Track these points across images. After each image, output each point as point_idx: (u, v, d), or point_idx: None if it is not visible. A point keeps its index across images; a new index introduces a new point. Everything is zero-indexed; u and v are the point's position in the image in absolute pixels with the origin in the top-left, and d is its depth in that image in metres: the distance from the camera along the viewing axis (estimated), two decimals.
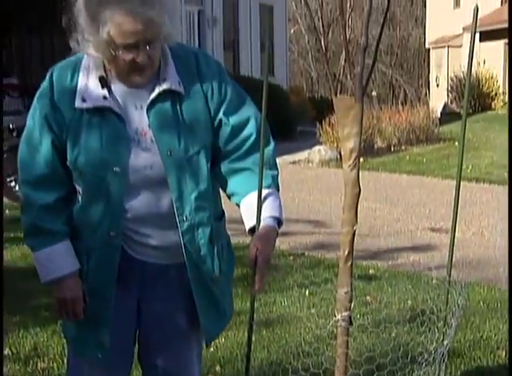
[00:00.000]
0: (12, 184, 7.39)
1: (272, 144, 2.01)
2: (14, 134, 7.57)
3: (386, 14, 2.12)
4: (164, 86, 1.90)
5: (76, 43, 1.87)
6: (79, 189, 1.97)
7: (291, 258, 5.56)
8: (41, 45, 12.97)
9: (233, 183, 2.00)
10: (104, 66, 1.91)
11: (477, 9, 1.95)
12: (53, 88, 1.93)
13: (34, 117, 1.96)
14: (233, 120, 1.97)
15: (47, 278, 1.99)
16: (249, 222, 1.97)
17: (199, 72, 1.96)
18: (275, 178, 2.01)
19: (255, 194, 1.94)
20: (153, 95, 1.90)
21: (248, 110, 2.00)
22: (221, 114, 1.96)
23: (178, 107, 1.92)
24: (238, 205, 2.01)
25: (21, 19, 13.07)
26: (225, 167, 2.00)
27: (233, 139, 1.97)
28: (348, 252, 1.87)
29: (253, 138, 1.98)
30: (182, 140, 1.91)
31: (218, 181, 2.03)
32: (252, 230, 1.96)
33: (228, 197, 2.04)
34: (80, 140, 1.90)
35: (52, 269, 1.97)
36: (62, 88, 1.92)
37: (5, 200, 7.54)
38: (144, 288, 2.03)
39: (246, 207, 1.97)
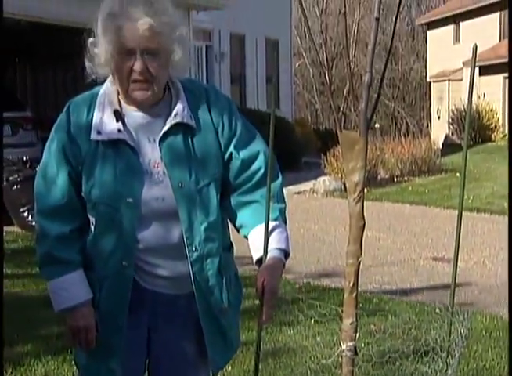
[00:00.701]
0: (25, 214, 7.50)
1: (280, 178, 2.06)
2: (28, 165, 7.73)
3: (389, 53, 2.20)
4: (177, 119, 1.94)
5: (92, 64, 1.94)
6: (92, 219, 2.00)
7: (297, 286, 5.57)
8: (54, 79, 13.17)
9: (242, 216, 2.03)
10: (119, 100, 1.97)
11: (476, 47, 1.99)
12: (70, 121, 1.97)
13: (51, 149, 2.00)
14: (243, 154, 2.01)
15: (61, 306, 2.02)
16: (256, 253, 1.99)
17: (209, 107, 2.01)
18: (282, 211, 2.05)
19: (263, 226, 1.97)
20: (166, 128, 1.94)
21: (257, 145, 2.05)
22: (231, 148, 2.01)
23: (189, 140, 1.96)
24: (246, 237, 2.04)
25: (35, 53, 13.29)
26: (234, 200, 2.04)
27: (243, 172, 2.02)
28: (353, 283, 1.88)
29: (261, 172, 2.02)
30: (192, 173, 1.95)
31: (227, 213, 2.06)
32: (259, 261, 1.98)
33: (237, 229, 2.07)
34: (95, 172, 1.95)
35: (66, 298, 2.00)
36: (78, 122, 1.96)
37: (19, 229, 7.66)
38: (154, 318, 2.05)
39: (254, 238, 2.00)
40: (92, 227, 2.01)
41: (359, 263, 1.89)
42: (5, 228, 7.69)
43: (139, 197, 1.94)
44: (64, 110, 2.01)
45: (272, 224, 1.99)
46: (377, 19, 1.73)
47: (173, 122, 1.95)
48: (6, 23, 9.74)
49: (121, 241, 1.97)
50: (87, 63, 1.95)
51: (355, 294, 1.88)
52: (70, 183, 1.98)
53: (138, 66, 1.88)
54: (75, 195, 1.99)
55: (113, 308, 2.02)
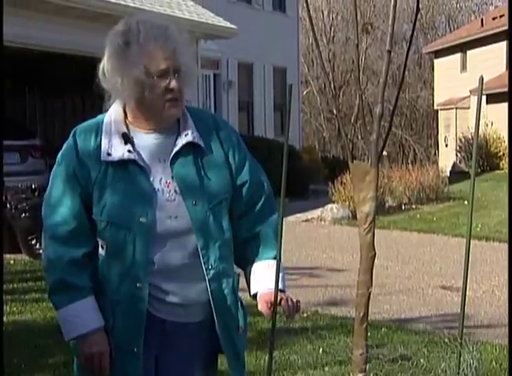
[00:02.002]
0: (34, 242, 7.52)
1: (276, 213, 2.13)
2: (36, 193, 7.77)
3: (400, 86, 2.21)
4: (188, 139, 2.00)
5: (108, 96, 2.00)
6: (103, 242, 2.00)
7: (304, 315, 5.57)
8: (64, 107, 13.30)
9: (242, 249, 2.10)
10: (126, 124, 2.02)
11: (482, 78, 2.03)
12: (77, 145, 2.01)
13: (58, 173, 2.02)
14: (252, 182, 2.09)
15: (73, 334, 2.00)
16: (255, 287, 2.07)
17: (218, 132, 2.07)
18: (279, 250, 2.11)
19: (262, 264, 2.06)
20: (178, 147, 1.99)
21: (262, 176, 2.14)
22: (242, 174, 2.07)
23: (199, 161, 2.02)
24: (243, 268, 2.13)
25: (44, 82, 13.43)
26: (235, 229, 2.09)
27: (248, 200, 2.09)
28: (364, 314, 1.89)
29: (262, 202, 2.11)
30: (205, 191, 2.00)
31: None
32: (255, 295, 2.08)
33: (235, 259, 2.12)
34: (105, 193, 1.96)
35: (79, 325, 1.98)
36: (86, 146, 2.00)
37: (27, 257, 7.67)
38: (162, 347, 2.04)
39: (254, 273, 2.08)
40: (103, 250, 2.01)
41: (370, 294, 1.88)
42: (14, 256, 7.71)
43: (152, 216, 1.95)
44: (70, 135, 2.05)
45: (271, 262, 2.07)
46: (389, 52, 1.75)
47: (184, 141, 2.00)
48: (16, 52, 9.89)
49: (135, 263, 1.96)
50: (106, 87, 2.00)
51: (365, 324, 1.88)
52: (80, 206, 1.99)
53: (174, 85, 1.95)
54: (86, 218, 1.99)
55: (129, 332, 2.00)
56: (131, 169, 1.97)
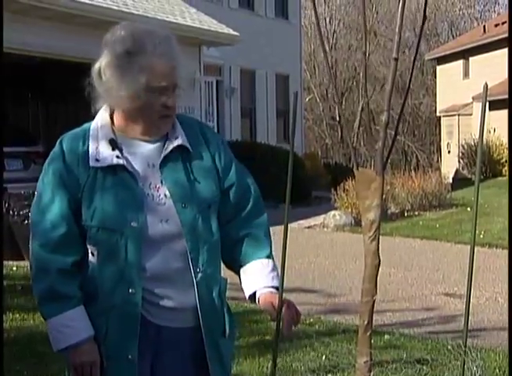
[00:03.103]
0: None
1: (265, 215, 2.15)
2: None
3: (406, 95, 2.21)
4: (178, 142, 2.01)
5: (101, 103, 2.00)
6: (93, 249, 1.98)
7: (307, 322, 5.57)
8: (67, 114, 13.31)
9: (233, 252, 2.10)
10: (113, 130, 2.01)
11: (486, 86, 2.02)
12: (64, 152, 1.99)
13: (46, 181, 1.99)
14: (239, 185, 2.10)
15: (63, 344, 1.97)
16: (252, 286, 2.07)
17: (204, 136, 2.09)
18: (271, 248, 2.12)
19: (256, 263, 2.06)
20: (167, 151, 2.00)
21: (249, 179, 2.15)
22: (229, 177, 2.09)
23: (187, 164, 2.03)
24: (235, 271, 2.12)
25: (47, 88, 13.46)
26: (226, 233, 2.09)
27: (236, 203, 2.10)
28: (368, 322, 1.87)
29: (249, 206, 2.11)
30: (194, 194, 2.00)
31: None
32: (252, 296, 2.07)
33: (226, 262, 2.12)
34: (95, 198, 1.95)
35: (68, 335, 1.95)
36: (73, 152, 1.99)
37: (29, 263, 7.66)
38: (157, 353, 2.03)
39: (249, 273, 2.07)
40: (94, 258, 1.99)
41: (374, 301, 1.87)
42: (16, 263, 7.71)
43: (143, 220, 1.95)
44: (57, 143, 2.03)
45: (265, 261, 2.07)
46: (396, 60, 1.74)
47: (175, 144, 2.01)
48: (18, 58, 9.93)
49: (128, 267, 1.95)
50: (92, 94, 1.99)
51: (369, 332, 1.86)
52: (69, 212, 1.97)
53: (171, 102, 1.97)
54: (75, 225, 1.97)
55: (123, 339, 1.98)
56: (120, 174, 1.97)
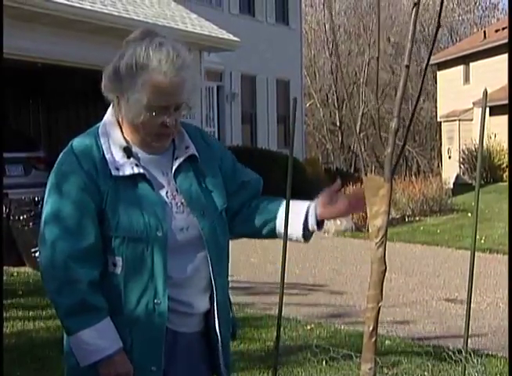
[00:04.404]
0: (37, 254, 7.51)
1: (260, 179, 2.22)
2: (39, 206, 7.78)
3: (417, 101, 2.20)
4: (190, 152, 2.03)
5: (115, 104, 1.96)
6: (116, 260, 1.93)
7: (308, 327, 5.57)
8: (68, 119, 13.33)
9: (258, 216, 2.13)
10: (124, 137, 1.97)
11: (486, 92, 2.02)
12: (80, 160, 1.93)
13: (64, 191, 1.92)
14: (247, 182, 2.16)
15: (96, 358, 1.91)
16: (302, 211, 2.09)
17: (206, 142, 2.11)
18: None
19: (282, 209, 2.09)
20: (180, 160, 2.01)
21: (254, 175, 2.20)
22: (235, 176, 2.14)
23: (197, 172, 2.05)
24: (272, 230, 2.12)
25: (48, 94, 13.49)
26: (244, 212, 2.14)
27: (246, 191, 2.15)
28: (373, 328, 1.84)
29: (259, 190, 2.18)
30: (208, 201, 2.03)
31: (241, 230, 2.17)
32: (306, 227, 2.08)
33: (259, 231, 2.15)
34: (119, 207, 1.92)
35: (101, 347, 1.90)
36: (90, 160, 1.93)
37: (30, 270, 7.67)
38: (170, 359, 2.01)
39: (288, 213, 2.07)
40: (117, 268, 1.94)
41: (379, 308, 1.86)
42: (17, 268, 7.72)
43: (167, 229, 1.95)
44: (67, 151, 1.97)
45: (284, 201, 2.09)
46: (407, 67, 1.73)
47: (188, 154, 2.02)
48: (20, 64, 9.95)
49: (154, 277, 1.93)
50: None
51: (374, 339, 1.84)
52: (95, 222, 1.92)
53: (170, 122, 1.92)
54: (100, 235, 1.93)
55: (148, 351, 1.95)
56: (139, 183, 1.95)
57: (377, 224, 1.83)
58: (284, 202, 2.10)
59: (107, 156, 1.95)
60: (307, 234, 2.11)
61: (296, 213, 2.09)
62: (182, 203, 2.00)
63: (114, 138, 1.98)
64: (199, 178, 2.04)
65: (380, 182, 1.82)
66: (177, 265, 1.97)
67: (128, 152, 1.96)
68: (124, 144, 1.97)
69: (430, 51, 1.87)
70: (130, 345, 1.95)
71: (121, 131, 1.99)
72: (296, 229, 2.10)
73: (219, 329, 2.06)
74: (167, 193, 2.00)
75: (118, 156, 1.95)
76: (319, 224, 2.10)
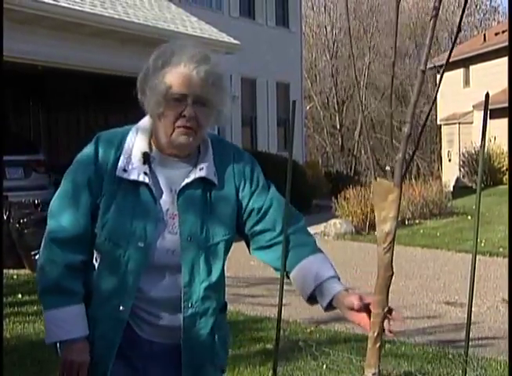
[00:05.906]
0: (37, 257, 7.51)
1: (302, 216, 2.13)
2: (39, 209, 7.78)
3: (432, 105, 2.18)
4: (201, 174, 1.96)
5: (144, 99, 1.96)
6: (98, 255, 1.98)
7: (308, 331, 5.57)
8: (68, 122, 13.34)
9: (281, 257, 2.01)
10: (150, 142, 1.97)
11: (488, 95, 2.01)
12: (97, 154, 1.96)
13: (74, 177, 1.97)
14: (259, 205, 2.03)
15: (57, 338, 1.96)
16: (326, 291, 1.98)
17: (234, 167, 2.03)
18: (317, 244, 2.09)
19: (308, 261, 2.00)
20: (188, 180, 1.95)
21: (272, 194, 2.06)
22: (250, 203, 2.02)
23: (208, 197, 1.97)
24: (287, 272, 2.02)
25: (48, 97, 13.50)
26: (260, 244, 2.03)
27: (261, 221, 2.02)
28: (378, 333, 1.83)
29: (279, 218, 2.03)
30: (204, 229, 1.96)
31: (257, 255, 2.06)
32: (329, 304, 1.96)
33: (274, 266, 2.04)
34: (112, 208, 1.93)
35: (65, 330, 1.93)
36: (105, 157, 1.96)
37: (30, 272, 7.67)
38: (148, 368, 2.01)
39: (310, 271, 2.01)
40: (96, 264, 1.99)
41: (385, 313, 1.84)
42: (17, 271, 7.71)
43: (150, 244, 1.92)
44: (92, 142, 2.00)
45: (319, 255, 2.04)
46: (423, 72, 1.73)
47: (197, 176, 1.96)
48: (20, 67, 9.95)
49: (123, 285, 1.94)
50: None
51: (378, 344, 1.83)
52: (87, 214, 1.95)
53: (188, 112, 1.90)
54: (90, 227, 1.96)
55: (103, 351, 1.97)
56: (142, 192, 1.94)
57: (385, 229, 1.81)
58: (316, 256, 2.04)
59: (122, 157, 1.96)
60: (312, 302, 2.04)
61: (321, 293, 2.00)
62: (178, 224, 1.96)
63: (139, 141, 1.98)
64: (205, 203, 1.98)
65: (389, 187, 1.80)
66: (150, 281, 1.95)
67: (145, 158, 1.95)
68: (145, 150, 1.96)
69: (448, 56, 1.86)
70: (91, 339, 1.97)
71: (152, 137, 1.99)
72: (306, 294, 2.02)
73: (183, 356, 1.99)
74: (167, 210, 1.96)
75: (135, 159, 1.95)
76: (328, 307, 1.99)
